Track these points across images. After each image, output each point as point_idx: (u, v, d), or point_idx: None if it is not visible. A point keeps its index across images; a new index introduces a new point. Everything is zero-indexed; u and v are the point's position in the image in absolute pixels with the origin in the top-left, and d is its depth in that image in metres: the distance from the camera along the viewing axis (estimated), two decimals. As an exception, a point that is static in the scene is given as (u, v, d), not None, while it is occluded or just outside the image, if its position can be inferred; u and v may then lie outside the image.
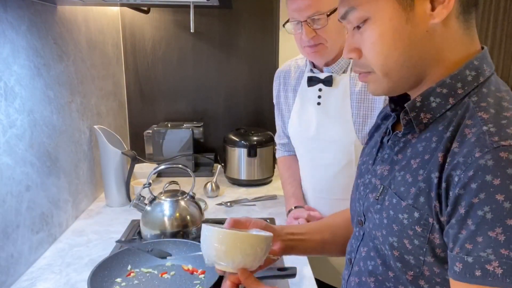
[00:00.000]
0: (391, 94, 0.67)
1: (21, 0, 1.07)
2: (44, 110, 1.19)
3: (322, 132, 1.22)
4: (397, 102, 0.72)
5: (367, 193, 0.69)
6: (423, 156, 0.59)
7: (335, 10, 1.06)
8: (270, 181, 1.83)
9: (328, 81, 1.20)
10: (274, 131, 2.05)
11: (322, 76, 1.21)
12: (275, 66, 2.05)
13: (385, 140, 0.72)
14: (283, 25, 1.16)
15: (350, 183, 1.20)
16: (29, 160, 1.10)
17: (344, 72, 1.19)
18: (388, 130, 0.72)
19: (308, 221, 1.21)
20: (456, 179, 0.52)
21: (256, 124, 2.08)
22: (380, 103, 1.15)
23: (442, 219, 0.55)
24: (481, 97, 0.58)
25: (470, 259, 0.51)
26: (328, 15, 1.06)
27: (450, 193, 0.53)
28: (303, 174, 1.37)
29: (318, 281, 1.22)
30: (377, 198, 0.66)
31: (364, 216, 0.70)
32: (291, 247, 0.85)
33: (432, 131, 0.60)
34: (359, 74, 0.67)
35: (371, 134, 0.83)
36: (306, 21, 1.08)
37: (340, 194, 1.23)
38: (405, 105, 0.63)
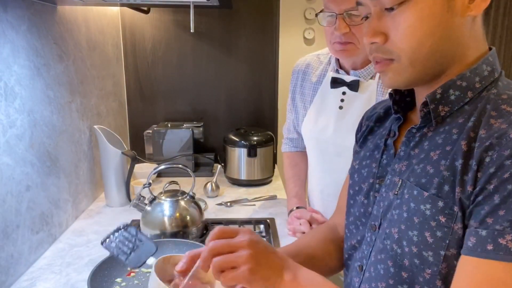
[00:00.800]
0: (408, 86, 0.65)
1: (21, 0, 1.08)
2: (44, 110, 1.19)
3: (339, 137, 1.17)
4: (399, 103, 0.72)
5: (388, 193, 0.67)
6: (443, 148, 0.59)
7: None
8: (270, 181, 1.83)
9: (354, 85, 1.14)
10: (274, 131, 2.06)
11: (348, 79, 1.16)
12: (275, 66, 2.05)
13: (388, 141, 0.71)
14: (316, 15, 1.09)
15: None
16: (29, 160, 1.10)
17: (372, 78, 1.14)
18: (393, 132, 0.71)
19: (310, 223, 1.21)
20: (487, 159, 0.52)
21: (256, 124, 2.08)
22: None
23: (467, 203, 0.54)
24: (499, 90, 0.59)
25: (484, 233, 0.49)
26: None
27: (479, 174, 0.52)
28: (312, 175, 1.33)
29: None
30: (396, 193, 0.64)
31: (380, 220, 0.68)
32: None
33: (451, 124, 0.60)
34: (376, 62, 0.64)
35: (364, 137, 0.81)
36: (342, 14, 1.02)
37: None
38: (425, 96, 0.61)
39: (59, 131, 1.28)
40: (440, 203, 0.56)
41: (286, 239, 1.26)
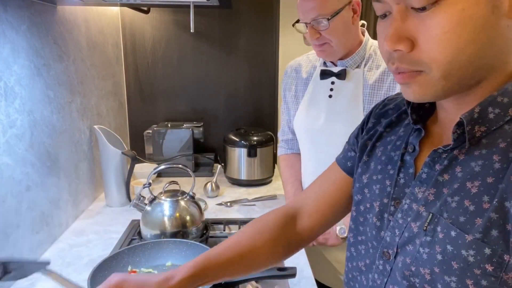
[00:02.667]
0: (440, 99, 0.54)
1: (21, 0, 1.07)
2: (44, 110, 1.19)
3: (330, 125, 1.23)
4: (417, 111, 0.62)
5: (408, 222, 0.57)
6: (483, 179, 0.50)
7: (336, 13, 1.09)
8: (270, 181, 1.83)
9: (341, 75, 1.21)
10: (274, 131, 2.06)
11: (335, 69, 1.23)
12: (275, 66, 2.05)
13: (407, 157, 0.61)
14: (293, 25, 1.18)
15: None
16: (29, 160, 1.10)
17: (357, 67, 1.21)
18: (411, 146, 0.61)
19: None
20: None
21: (256, 124, 2.08)
22: None
23: None
24: None
25: None
26: (329, 19, 1.09)
27: None
28: (306, 169, 1.36)
29: (317, 282, 1.22)
30: (425, 228, 0.54)
31: (397, 248, 0.58)
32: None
33: (490, 148, 0.50)
34: (397, 73, 0.53)
35: (372, 145, 0.70)
36: (310, 23, 1.12)
37: None
38: (461, 116, 0.51)
39: (59, 131, 1.28)
40: (487, 251, 0.47)
41: (286, 239, 1.26)
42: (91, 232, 1.32)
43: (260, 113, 2.10)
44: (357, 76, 1.20)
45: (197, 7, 1.49)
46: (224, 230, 1.32)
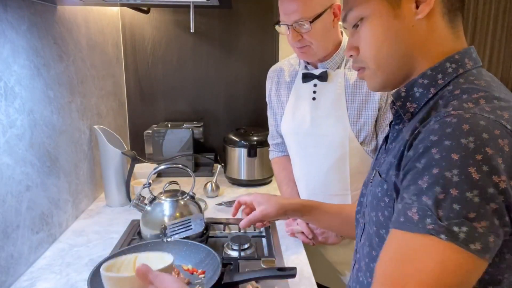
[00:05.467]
0: (386, 88, 0.72)
1: (21, 0, 1.08)
2: (44, 110, 1.19)
3: (316, 127, 1.24)
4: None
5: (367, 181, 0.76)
6: (403, 137, 0.64)
7: (318, 16, 1.10)
8: (270, 181, 1.83)
9: (323, 77, 1.22)
10: (274, 131, 2.06)
11: (317, 72, 1.24)
12: (275, 66, 2.05)
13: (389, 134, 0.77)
14: (274, 25, 1.19)
15: (344, 177, 1.22)
16: (29, 160, 1.10)
17: (338, 68, 1.22)
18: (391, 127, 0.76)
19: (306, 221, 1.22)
20: (413, 145, 0.58)
21: (256, 124, 2.07)
22: (375, 95, 1.16)
23: (399, 185, 0.61)
24: (456, 86, 0.62)
25: (400, 206, 0.56)
26: (311, 22, 1.09)
27: (406, 159, 0.59)
28: (297, 172, 1.37)
29: (317, 284, 1.22)
30: (371, 181, 0.73)
31: (366, 205, 0.75)
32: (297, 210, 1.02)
33: (416, 119, 0.65)
34: (357, 70, 0.73)
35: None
36: (292, 25, 1.11)
37: (335, 189, 1.23)
38: (391, 94, 0.69)
39: (59, 131, 1.28)
40: (385, 186, 0.65)
41: (286, 239, 1.26)
42: (91, 232, 1.32)
43: (260, 113, 2.09)
44: (338, 77, 1.21)
45: (197, 7, 1.48)
46: (224, 230, 1.32)
